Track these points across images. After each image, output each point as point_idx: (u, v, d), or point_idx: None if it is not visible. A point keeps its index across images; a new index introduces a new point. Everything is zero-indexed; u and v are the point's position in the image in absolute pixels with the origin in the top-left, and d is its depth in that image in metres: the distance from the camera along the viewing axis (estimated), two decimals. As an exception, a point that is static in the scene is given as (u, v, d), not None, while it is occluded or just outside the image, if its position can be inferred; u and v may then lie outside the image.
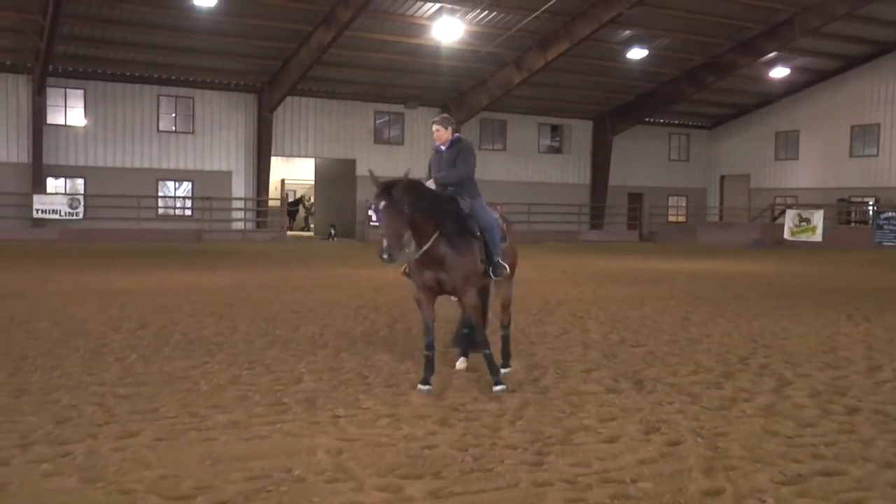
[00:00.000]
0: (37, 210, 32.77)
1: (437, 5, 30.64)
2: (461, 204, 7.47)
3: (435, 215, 7.10)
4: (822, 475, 5.19)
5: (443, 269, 7.20)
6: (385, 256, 6.78)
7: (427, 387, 7.21)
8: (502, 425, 6.23)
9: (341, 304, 13.34)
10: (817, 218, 35.98)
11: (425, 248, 7.07)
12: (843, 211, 41.16)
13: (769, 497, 4.79)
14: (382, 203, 6.84)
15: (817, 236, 35.49)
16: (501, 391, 7.19)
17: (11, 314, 11.63)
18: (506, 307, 8.30)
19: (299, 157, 39.62)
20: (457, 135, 7.83)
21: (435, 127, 7.72)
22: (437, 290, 7.37)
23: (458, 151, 7.69)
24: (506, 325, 8.37)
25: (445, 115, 8.17)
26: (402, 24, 32.07)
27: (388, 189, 6.86)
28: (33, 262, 21.04)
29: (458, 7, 30.75)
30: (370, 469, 5.20)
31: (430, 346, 7.33)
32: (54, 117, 33.94)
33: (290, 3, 29.67)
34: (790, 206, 39.29)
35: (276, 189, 40.55)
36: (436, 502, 4.68)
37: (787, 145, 45.00)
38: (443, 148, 7.72)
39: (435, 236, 7.08)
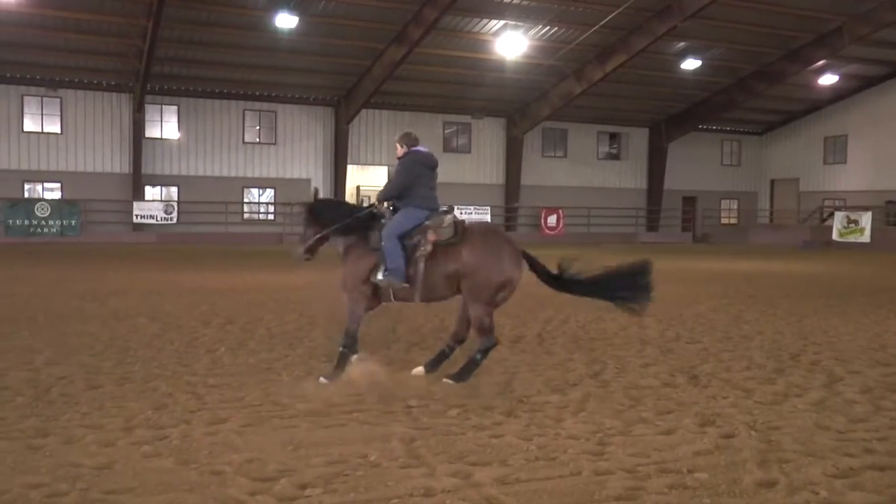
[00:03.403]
0: (136, 216, 33.59)
1: (502, 22, 30.60)
2: (382, 217, 7.64)
3: (326, 227, 7.75)
4: (875, 469, 5.02)
5: None
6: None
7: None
8: (565, 417, 6.17)
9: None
10: (865, 220, 34.90)
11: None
12: (892, 213, 39.88)
13: (822, 489, 4.66)
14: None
15: (865, 237, 34.43)
16: (324, 382, 7.13)
17: (115, 310, 11.93)
18: (475, 329, 7.37)
19: (373, 165, 39.87)
20: (415, 148, 7.85)
21: (396, 143, 8.06)
22: None
23: (397, 168, 7.89)
24: (478, 349, 7.34)
25: (405, 132, 8.10)
26: (468, 41, 32.07)
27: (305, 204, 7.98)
28: (133, 263, 21.56)
29: (521, 23, 30.66)
30: (441, 456, 5.20)
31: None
32: (152, 131, 34.77)
33: (364, 23, 29.92)
34: (838, 209, 38.20)
35: (351, 195, 40.87)
36: (503, 488, 4.66)
37: (835, 149, 43.79)
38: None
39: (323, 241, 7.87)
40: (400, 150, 7.88)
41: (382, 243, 7.38)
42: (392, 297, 7.57)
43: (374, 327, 10.43)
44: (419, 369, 7.53)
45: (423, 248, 7.33)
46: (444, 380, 7.18)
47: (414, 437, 5.60)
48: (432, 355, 7.78)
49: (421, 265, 7.33)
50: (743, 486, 4.73)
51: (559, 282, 7.61)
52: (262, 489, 4.61)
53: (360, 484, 4.70)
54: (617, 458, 5.19)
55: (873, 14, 31.51)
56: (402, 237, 7.41)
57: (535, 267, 7.55)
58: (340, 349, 7.46)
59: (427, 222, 7.46)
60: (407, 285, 7.38)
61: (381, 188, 7.95)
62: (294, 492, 4.57)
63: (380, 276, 7.37)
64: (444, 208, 7.67)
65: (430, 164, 7.80)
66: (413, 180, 7.63)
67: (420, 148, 7.88)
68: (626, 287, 7.56)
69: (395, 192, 7.68)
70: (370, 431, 5.75)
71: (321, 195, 8.24)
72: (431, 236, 7.35)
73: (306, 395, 6.75)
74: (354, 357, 7.51)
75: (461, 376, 7.21)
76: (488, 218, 37.24)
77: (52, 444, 5.37)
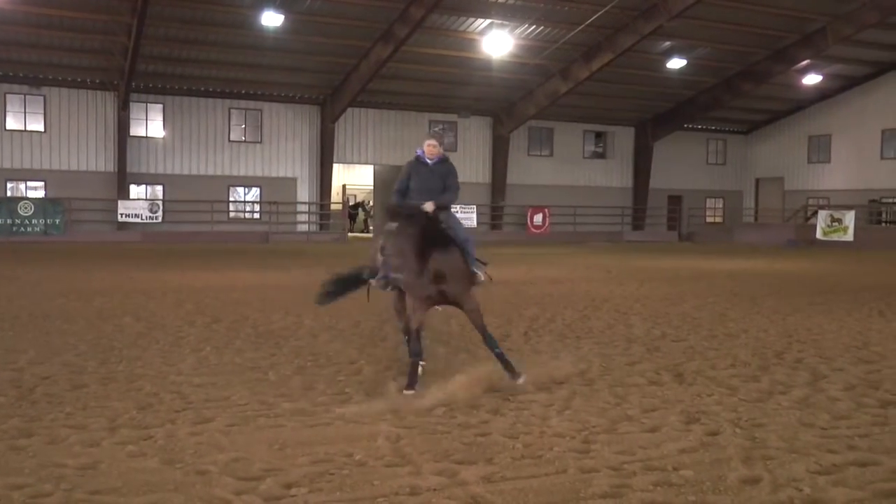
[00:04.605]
0: (121, 214, 33.39)
1: (488, 21, 30.61)
2: (441, 218, 7.37)
3: (428, 235, 6.95)
4: (857, 465, 5.06)
5: (445, 281, 7.05)
6: (382, 280, 7.05)
7: (411, 391, 6.77)
8: (551, 415, 6.19)
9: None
10: (849, 218, 35.13)
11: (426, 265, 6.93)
12: (875, 212, 40.19)
13: (806, 486, 4.69)
14: (395, 227, 6.79)
15: (849, 236, 34.64)
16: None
17: (99, 309, 11.87)
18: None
19: (359, 164, 39.84)
20: (444, 153, 7.75)
21: (432, 142, 7.56)
22: (440, 300, 7.21)
23: (448, 171, 7.60)
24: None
25: (439, 130, 7.95)
26: (454, 39, 32.07)
27: (399, 214, 6.90)
28: (118, 262, 21.46)
29: (507, 22, 30.69)
30: (427, 454, 5.20)
31: (418, 354, 7.08)
32: (136, 130, 34.54)
33: (350, 21, 29.88)
34: (822, 207, 38.44)
35: (337, 194, 40.85)
36: (489, 486, 4.66)
37: (819, 149, 44.04)
38: (429, 162, 7.57)
39: (434, 254, 6.97)
40: (438, 150, 7.62)
41: (467, 243, 7.39)
42: None
43: (362, 327, 10.43)
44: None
45: None
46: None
47: (400, 435, 5.60)
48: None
49: None
50: (727, 483, 4.75)
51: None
52: (248, 489, 4.59)
53: (345, 483, 4.70)
54: (602, 456, 5.20)
55: (856, 15, 31.74)
56: None
57: None
58: (497, 351, 7.28)
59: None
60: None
61: (449, 195, 7.58)
62: (280, 491, 4.56)
63: (481, 275, 7.43)
64: None
65: None
66: None
67: None
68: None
69: (456, 200, 7.77)
70: (356, 430, 5.74)
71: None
72: None
73: (292, 394, 6.74)
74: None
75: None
76: (474, 217, 37.27)
77: (35, 444, 5.34)
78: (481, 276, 7.40)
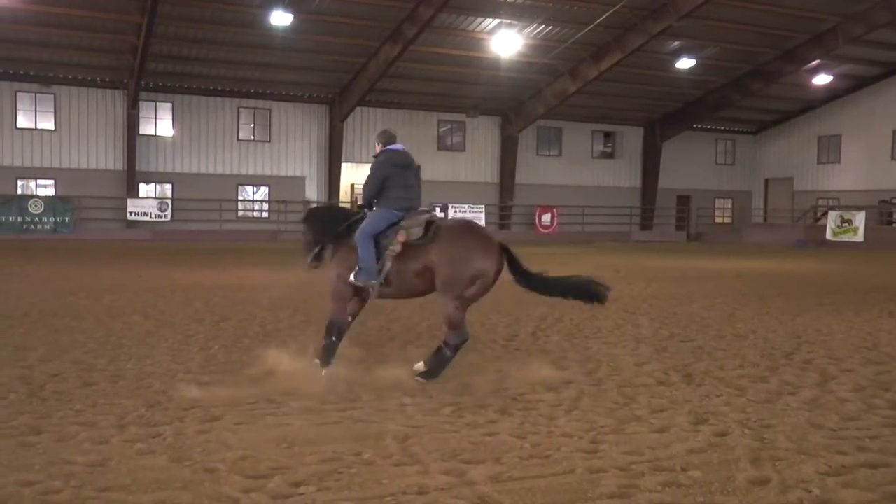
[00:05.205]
0: (130, 213, 33.50)
1: (497, 20, 30.59)
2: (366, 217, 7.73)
3: (322, 232, 8.06)
4: (867, 467, 5.04)
5: None
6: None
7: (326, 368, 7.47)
8: (559, 415, 6.18)
9: (408, 300, 13.34)
10: (859, 219, 34.99)
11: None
12: (885, 212, 40.01)
13: (815, 487, 4.68)
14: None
15: (859, 237, 34.51)
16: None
17: (109, 307, 11.90)
18: (448, 325, 7.35)
19: (368, 162, 39.52)
20: (389, 147, 7.75)
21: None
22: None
23: (370, 169, 7.81)
24: (445, 343, 7.37)
25: (382, 129, 8.02)
26: (463, 39, 32.07)
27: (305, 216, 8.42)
28: (127, 261, 21.51)
29: (515, 22, 30.67)
30: (435, 454, 5.20)
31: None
32: (146, 128, 34.65)
33: (359, 21, 29.90)
34: (832, 208, 38.29)
35: (346, 193, 40.85)
36: (496, 486, 4.66)
37: (829, 149, 43.86)
38: None
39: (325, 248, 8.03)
40: (377, 148, 7.85)
41: (357, 243, 7.46)
42: (374, 295, 7.65)
43: (369, 326, 10.43)
44: (420, 365, 7.55)
45: (392, 248, 7.40)
46: (416, 378, 7.27)
47: (408, 434, 5.60)
48: (429, 352, 7.82)
49: (389, 264, 7.40)
50: (736, 483, 4.74)
51: (531, 280, 7.51)
52: (256, 487, 4.60)
53: (353, 482, 4.70)
54: (610, 457, 5.20)
55: (867, 15, 31.58)
56: (378, 237, 7.47)
57: (513, 263, 7.47)
58: (326, 340, 7.58)
59: (402, 222, 7.47)
60: (381, 283, 7.47)
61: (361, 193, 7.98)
62: (288, 489, 4.57)
63: (351, 277, 7.49)
64: (425, 208, 7.78)
65: (401, 163, 7.66)
66: (383, 181, 7.60)
67: (394, 146, 7.77)
68: (586, 290, 7.71)
69: (370, 195, 7.72)
70: (364, 429, 5.75)
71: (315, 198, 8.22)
72: (402, 236, 7.38)
73: (300, 392, 6.75)
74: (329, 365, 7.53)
75: (431, 373, 7.32)
76: (483, 216, 37.25)
77: (45, 441, 5.37)
78: (351, 277, 7.51)
